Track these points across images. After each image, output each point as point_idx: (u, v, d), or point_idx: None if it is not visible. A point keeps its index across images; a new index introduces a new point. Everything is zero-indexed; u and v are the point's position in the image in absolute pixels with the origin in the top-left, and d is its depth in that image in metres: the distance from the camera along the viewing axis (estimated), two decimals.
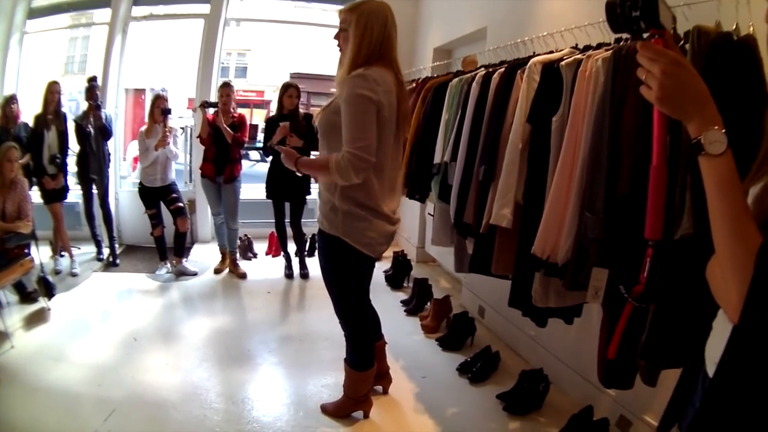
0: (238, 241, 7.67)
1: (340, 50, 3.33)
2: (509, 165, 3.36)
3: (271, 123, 6.73)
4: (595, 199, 2.64)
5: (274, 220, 7.21)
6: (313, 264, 7.15)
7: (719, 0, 2.44)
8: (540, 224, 2.98)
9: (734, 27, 2.31)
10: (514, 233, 3.40)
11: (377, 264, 3.65)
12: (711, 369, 1.42)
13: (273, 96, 22.28)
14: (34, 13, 8.86)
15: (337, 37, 3.33)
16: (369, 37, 3.14)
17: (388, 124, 3.25)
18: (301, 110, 6.83)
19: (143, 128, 6.93)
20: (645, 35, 1.52)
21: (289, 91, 6.67)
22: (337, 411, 4.06)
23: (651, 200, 1.60)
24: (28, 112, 7.12)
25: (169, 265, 7.38)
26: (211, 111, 6.85)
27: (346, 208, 3.30)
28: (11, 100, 6.94)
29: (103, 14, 9.03)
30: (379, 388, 4.36)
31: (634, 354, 2.38)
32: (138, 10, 8.92)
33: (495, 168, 3.55)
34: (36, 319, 5.65)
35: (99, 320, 5.79)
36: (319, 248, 3.62)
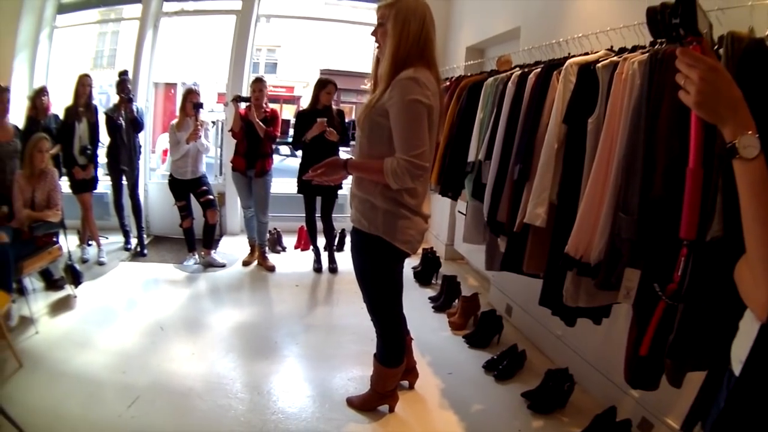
0: (268, 235, 7.73)
1: (378, 46, 3.32)
2: (545, 165, 3.36)
3: (302, 117, 6.81)
4: (630, 201, 2.65)
5: (304, 215, 7.26)
6: (342, 258, 7.26)
7: (752, 6, 2.46)
8: (574, 224, 3.00)
9: (767, 33, 2.32)
10: (547, 232, 3.42)
11: (406, 260, 3.64)
12: (737, 368, 1.44)
13: (303, 92, 22.31)
14: (63, 9, 9.01)
15: (374, 33, 3.32)
16: (407, 33, 3.11)
17: (433, 127, 3.26)
18: (333, 106, 6.88)
19: (174, 121, 7.04)
20: (684, 41, 1.55)
21: (328, 87, 6.75)
22: (363, 404, 4.09)
23: (687, 201, 1.63)
24: (58, 104, 7.24)
25: (197, 256, 7.47)
26: (243, 105, 6.90)
27: (388, 207, 3.31)
28: (42, 92, 7.04)
29: (132, 10, 9.17)
30: (405, 382, 4.39)
31: (661, 354, 2.40)
32: (169, 6, 9.03)
33: (530, 167, 3.56)
34: (62, 305, 5.75)
35: (125, 308, 5.87)
36: (354, 247, 3.58)
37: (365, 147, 3.31)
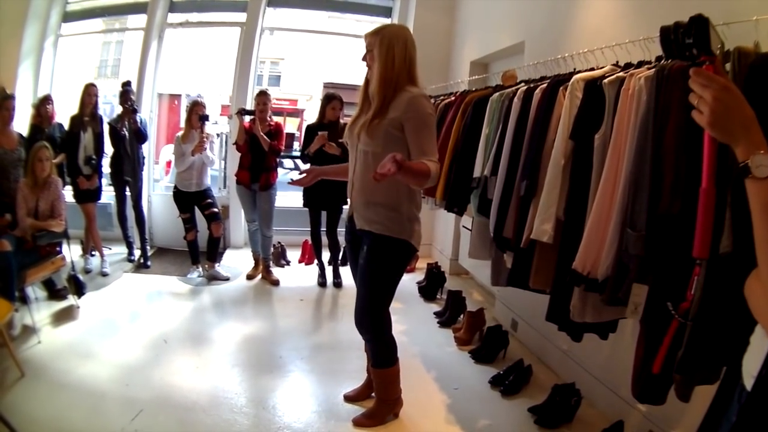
0: (272, 248, 7.72)
1: (369, 68, 3.66)
2: (551, 181, 3.37)
3: (310, 131, 6.81)
4: (637, 217, 2.65)
5: (308, 228, 7.27)
6: (346, 273, 7.19)
7: (757, 21, 2.46)
8: (582, 240, 3.00)
9: None
10: (553, 248, 3.41)
11: (411, 275, 3.77)
12: (749, 383, 1.44)
13: (306, 105, 22.38)
14: (68, 17, 9.09)
15: (364, 58, 3.68)
16: (392, 56, 3.49)
17: None
18: (342, 121, 6.87)
19: (180, 133, 7.06)
20: (697, 61, 1.55)
21: (332, 102, 6.80)
22: (372, 418, 4.08)
23: (700, 221, 1.63)
24: (62, 113, 7.27)
25: (201, 269, 7.45)
26: (247, 118, 6.93)
27: (410, 212, 3.67)
28: (46, 100, 7.09)
29: (136, 20, 9.29)
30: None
31: (669, 369, 2.39)
32: (174, 17, 9.10)
33: (537, 183, 3.57)
34: (64, 316, 5.76)
35: (128, 320, 5.88)
36: (373, 252, 3.70)
37: (381, 155, 3.37)
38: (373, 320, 3.85)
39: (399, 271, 3.82)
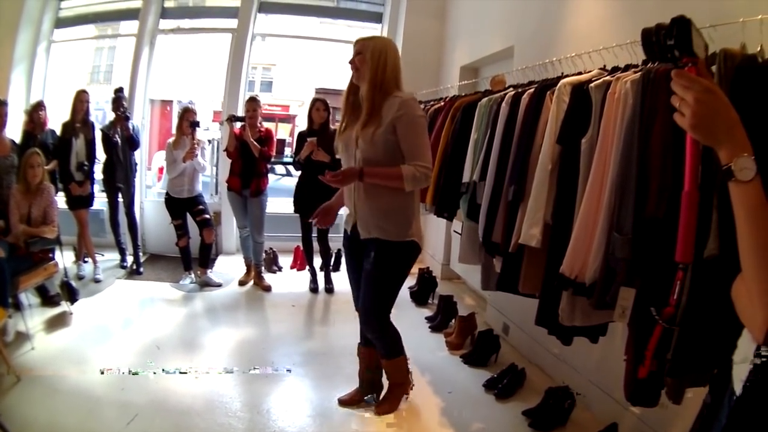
0: (264, 254, 7.70)
1: (356, 70, 3.75)
2: (539, 185, 3.37)
3: (301, 138, 6.82)
4: (624, 220, 2.65)
5: (299, 234, 7.25)
6: (338, 278, 7.23)
7: (743, 22, 2.47)
8: (569, 244, 3.00)
9: (759, 49, 2.32)
10: (542, 253, 3.42)
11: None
12: (738, 387, 1.44)
13: (298, 110, 22.35)
14: (61, 23, 9.11)
15: (352, 61, 3.76)
16: (384, 62, 3.64)
17: None
18: (333, 127, 6.87)
19: (171, 140, 7.06)
20: (679, 63, 1.55)
21: (316, 105, 6.78)
22: (392, 402, 4.31)
23: (683, 224, 1.62)
24: (54, 119, 7.25)
25: (193, 275, 7.44)
26: (238, 125, 6.91)
27: (414, 213, 3.85)
28: (39, 106, 7.08)
29: (129, 26, 9.30)
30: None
31: (661, 372, 2.39)
32: (165, 23, 9.13)
33: (524, 188, 3.57)
34: (58, 322, 5.76)
35: (121, 327, 5.88)
36: (382, 258, 3.83)
37: (382, 160, 3.65)
38: (380, 320, 3.97)
39: (406, 271, 3.99)
